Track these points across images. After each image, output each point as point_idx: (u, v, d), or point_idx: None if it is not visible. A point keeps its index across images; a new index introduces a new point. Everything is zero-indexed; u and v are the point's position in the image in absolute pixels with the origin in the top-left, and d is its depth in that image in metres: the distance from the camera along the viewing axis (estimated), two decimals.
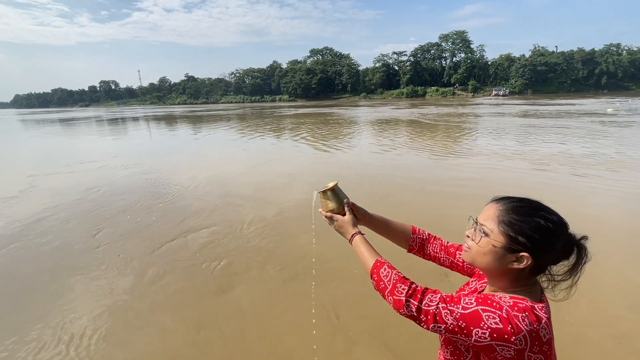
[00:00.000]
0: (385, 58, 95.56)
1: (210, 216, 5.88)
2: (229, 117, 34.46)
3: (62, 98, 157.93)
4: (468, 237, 0.98)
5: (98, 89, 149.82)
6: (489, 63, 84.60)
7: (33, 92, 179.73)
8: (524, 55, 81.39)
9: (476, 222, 0.95)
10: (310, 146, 13.40)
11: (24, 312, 3.40)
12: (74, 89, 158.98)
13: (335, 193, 1.29)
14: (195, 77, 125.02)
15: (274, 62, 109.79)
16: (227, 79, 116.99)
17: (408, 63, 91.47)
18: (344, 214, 1.27)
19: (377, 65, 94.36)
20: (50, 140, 19.89)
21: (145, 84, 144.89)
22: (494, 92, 73.82)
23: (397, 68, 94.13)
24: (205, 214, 6.00)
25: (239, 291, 3.62)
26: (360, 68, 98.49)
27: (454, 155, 10.44)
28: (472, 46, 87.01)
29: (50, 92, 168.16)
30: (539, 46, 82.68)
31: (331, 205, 1.28)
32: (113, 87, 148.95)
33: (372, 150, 11.91)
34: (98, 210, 6.42)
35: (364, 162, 10.16)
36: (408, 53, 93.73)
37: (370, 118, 26.41)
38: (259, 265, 4.14)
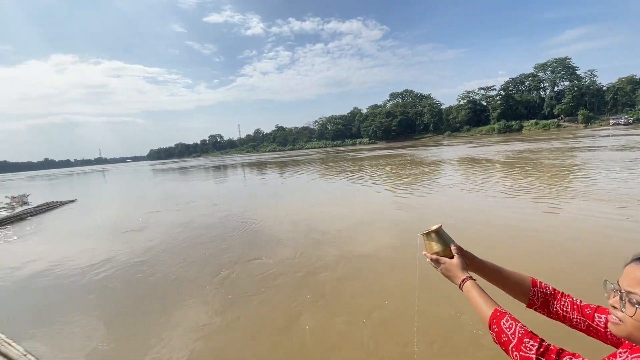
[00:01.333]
0: (470, 94, 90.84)
1: (299, 255, 5.81)
2: (312, 160, 36.40)
3: (182, 151, 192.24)
4: (614, 307, 0.81)
5: (207, 142, 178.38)
6: (604, 89, 72.37)
7: (162, 147, 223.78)
8: None
9: (620, 290, 0.78)
10: (390, 187, 12.86)
11: (133, 328, 3.65)
12: (190, 143, 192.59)
13: (440, 235, 1.24)
14: (284, 126, 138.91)
15: (355, 108, 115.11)
16: (312, 126, 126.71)
17: (498, 97, 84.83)
18: (451, 258, 1.20)
19: (461, 102, 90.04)
20: (168, 184, 23.78)
21: (243, 135, 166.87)
22: (612, 122, 61.43)
23: (484, 104, 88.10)
24: (291, 252, 5.97)
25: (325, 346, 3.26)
26: (443, 107, 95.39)
27: (563, 198, 8.60)
28: (578, 72, 76.48)
29: (173, 146, 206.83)
30: None
31: (436, 247, 1.24)
32: (218, 140, 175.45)
33: (461, 192, 10.72)
34: (197, 245, 7.02)
35: (452, 205, 9.12)
36: (497, 87, 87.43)
37: (457, 156, 24.53)
38: (348, 310, 3.74)
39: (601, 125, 63.87)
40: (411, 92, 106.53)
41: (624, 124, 58.64)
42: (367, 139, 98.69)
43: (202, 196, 15.05)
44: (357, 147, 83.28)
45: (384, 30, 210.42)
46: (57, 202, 16.56)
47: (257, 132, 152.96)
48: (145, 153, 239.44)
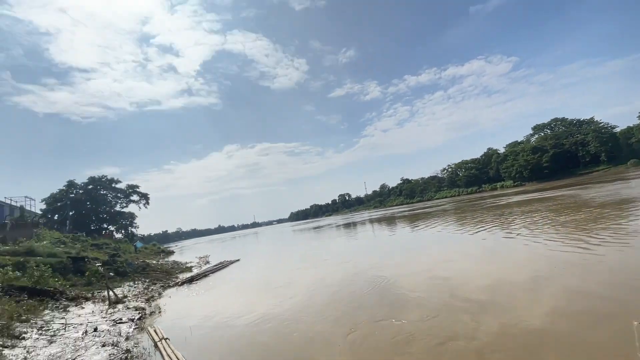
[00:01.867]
0: None
1: (432, 318, 5.42)
2: (443, 211, 33.74)
3: (316, 211, 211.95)
4: None
5: (337, 201, 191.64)
6: None
7: (300, 209, 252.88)
8: None
9: None
10: (555, 240, 10.54)
11: None
12: (322, 204, 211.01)
13: None
14: (409, 178, 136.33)
15: (489, 149, 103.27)
16: (440, 175, 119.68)
17: None
18: None
19: None
20: (305, 243, 26.30)
21: (369, 191, 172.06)
22: None
23: None
24: (424, 314, 5.61)
25: None
26: (617, 129, 74.35)
27: None
28: None
29: (309, 207, 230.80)
30: None
31: None
32: (347, 198, 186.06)
33: None
34: (331, 302, 7.44)
35: None
36: None
37: None
38: None
39: None
40: (562, 119, 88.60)
41: None
42: (511, 182, 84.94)
43: (333, 253, 15.99)
44: (499, 192, 72.53)
45: (513, 62, 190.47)
46: (227, 261, 20.67)
47: (383, 187, 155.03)
48: (286, 215, 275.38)
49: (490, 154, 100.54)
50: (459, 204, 46.01)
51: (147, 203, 56.45)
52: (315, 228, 51.75)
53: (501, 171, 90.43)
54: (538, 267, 7.35)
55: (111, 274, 14.05)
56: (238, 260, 20.88)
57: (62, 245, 22.93)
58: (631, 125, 72.56)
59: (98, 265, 14.10)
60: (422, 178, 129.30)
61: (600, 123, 79.34)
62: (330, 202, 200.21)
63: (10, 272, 9.17)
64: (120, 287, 12.85)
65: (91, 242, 31.69)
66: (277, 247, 29.49)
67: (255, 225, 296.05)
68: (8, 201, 37.61)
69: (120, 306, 9.93)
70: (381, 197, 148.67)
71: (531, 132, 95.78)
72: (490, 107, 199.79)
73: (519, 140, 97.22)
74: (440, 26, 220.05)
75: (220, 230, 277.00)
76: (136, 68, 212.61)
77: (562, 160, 77.49)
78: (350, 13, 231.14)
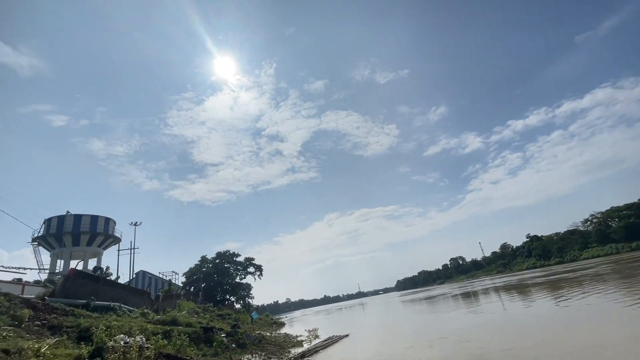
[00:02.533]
0: None
1: None
2: (597, 275, 26.04)
3: (425, 278, 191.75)
4: None
5: (449, 266, 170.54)
6: None
7: (406, 277, 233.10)
8: None
9: None
10: None
11: None
12: (431, 270, 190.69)
13: None
14: (539, 235, 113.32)
15: None
16: (581, 228, 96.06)
17: None
18: None
19: None
20: (416, 316, 23.47)
21: (487, 253, 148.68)
22: None
23: None
24: None
25: None
26: None
27: None
28: None
29: (416, 274, 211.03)
30: None
31: None
32: (460, 262, 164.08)
33: None
34: None
35: None
36: None
37: None
38: None
39: None
40: None
41: None
42: None
43: (452, 330, 13.64)
44: None
45: None
46: (336, 336, 19.84)
47: (505, 247, 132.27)
48: (393, 284, 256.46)
49: None
50: (620, 265, 35.02)
51: (261, 274, 61.27)
52: (426, 299, 46.19)
53: None
54: None
55: (233, 345, 15.03)
56: (347, 335, 19.80)
57: (196, 315, 26.16)
58: None
59: (223, 336, 15.34)
60: (557, 233, 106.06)
61: None
62: (440, 268, 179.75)
63: (160, 340, 10.76)
64: (240, 359, 13.49)
65: (217, 313, 35.29)
66: (387, 320, 27.07)
67: (360, 295, 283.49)
68: (161, 275, 46.24)
69: None
70: (504, 260, 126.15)
71: None
72: (636, 139, 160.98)
73: None
74: (541, 63, 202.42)
75: (326, 300, 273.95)
76: (251, 157, 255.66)
77: None
78: (434, 74, 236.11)
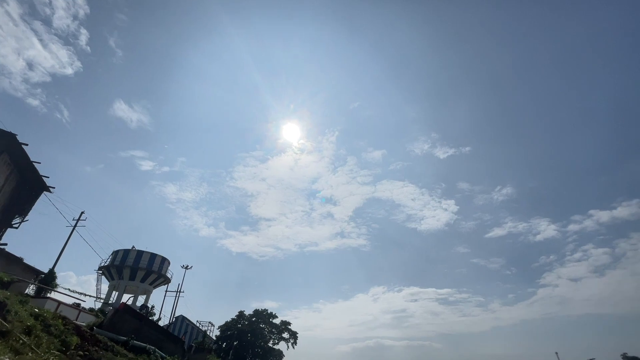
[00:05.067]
0: None
1: None
2: None
3: None
4: None
5: None
6: None
7: None
8: None
9: None
10: None
11: None
12: None
13: None
14: (638, 357, 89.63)
15: None
16: None
17: None
18: None
19: None
20: None
21: None
22: None
23: None
24: None
25: None
26: None
27: None
28: None
29: None
30: None
31: None
32: None
33: None
34: None
35: None
36: None
37: None
38: None
39: None
40: None
41: None
42: None
43: None
44: None
45: None
46: None
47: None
48: None
49: None
50: None
51: (295, 343, 57.15)
52: None
53: None
54: None
55: None
56: None
57: None
58: None
59: None
60: None
61: None
62: None
63: None
64: None
65: None
66: None
67: None
68: (198, 324, 45.94)
69: None
70: None
71: None
72: None
73: None
74: (627, 149, 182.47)
75: None
76: (303, 216, 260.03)
77: None
78: (499, 154, 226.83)
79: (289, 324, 58.59)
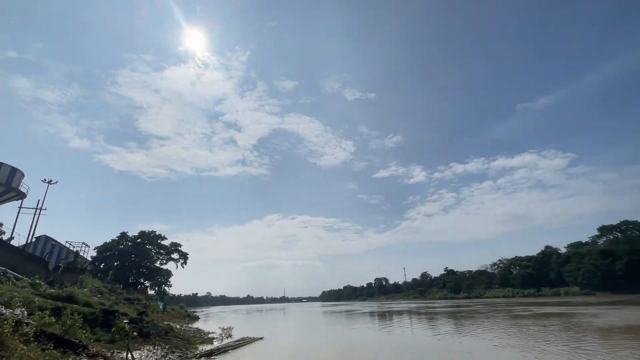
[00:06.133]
0: None
1: None
2: (495, 312, 29.33)
3: (349, 293, 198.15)
4: None
5: (373, 285, 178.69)
6: None
7: (332, 289, 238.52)
8: None
9: None
10: None
11: None
12: (357, 286, 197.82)
13: None
14: (455, 270, 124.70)
15: (547, 247, 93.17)
16: (490, 270, 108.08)
17: None
18: None
19: None
20: (336, 331, 23.99)
21: (409, 279, 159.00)
22: None
23: None
24: None
25: None
26: None
27: None
28: None
29: (342, 288, 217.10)
30: None
31: None
32: (384, 284, 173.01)
33: None
34: None
35: None
36: None
37: None
38: None
39: None
40: (635, 223, 79.05)
41: None
42: (578, 288, 73.47)
43: (365, 346, 14.16)
44: (564, 298, 62.62)
45: (569, 158, 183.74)
46: (250, 338, 19.30)
47: (424, 276, 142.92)
48: (318, 294, 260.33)
49: (549, 253, 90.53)
50: (501, 307, 39.92)
51: (185, 263, 57.65)
52: (347, 312, 47.60)
53: (564, 274, 79.72)
54: None
55: (135, 333, 13.72)
56: (261, 338, 19.39)
57: (99, 295, 23.54)
58: None
59: (125, 322, 13.94)
60: (470, 271, 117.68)
61: None
62: (365, 286, 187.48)
63: (47, 317, 9.33)
64: (139, 350, 12.33)
65: (125, 296, 32.21)
66: (305, 329, 27.15)
67: (284, 300, 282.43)
68: (68, 245, 40.92)
69: None
70: (422, 287, 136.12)
71: (597, 233, 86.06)
72: (547, 202, 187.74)
73: (583, 242, 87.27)
74: (488, 119, 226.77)
75: (249, 300, 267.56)
76: (202, 139, 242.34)
77: None
78: (398, 105, 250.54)
79: (180, 245, 58.01)
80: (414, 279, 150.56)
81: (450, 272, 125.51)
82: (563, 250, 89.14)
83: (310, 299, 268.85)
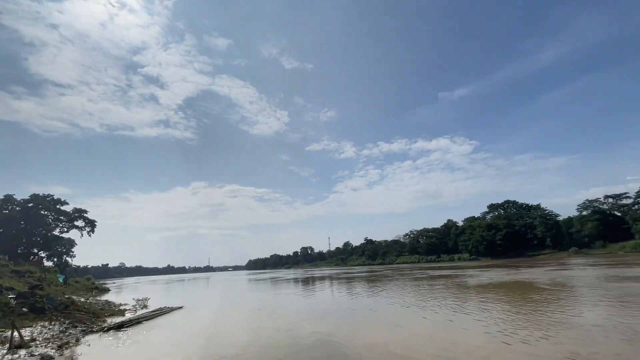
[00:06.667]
0: (595, 204, 77.46)
1: None
2: (401, 275, 33.61)
3: (275, 262, 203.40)
4: None
5: (299, 254, 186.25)
6: None
7: (259, 258, 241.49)
8: None
9: None
10: (509, 319, 10.69)
11: None
12: (283, 255, 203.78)
13: None
14: (373, 239, 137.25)
15: (449, 220, 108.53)
16: (402, 240, 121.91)
17: (637, 206, 69.88)
18: None
19: (585, 213, 76.59)
20: (261, 296, 24.62)
21: (332, 248, 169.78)
22: None
23: (619, 214, 72.92)
24: None
25: None
26: (559, 218, 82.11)
27: None
28: None
29: (268, 257, 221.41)
30: None
31: None
32: (309, 252, 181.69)
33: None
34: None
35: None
36: (632, 194, 72.92)
37: (611, 279, 19.46)
38: None
39: None
40: (514, 202, 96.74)
41: None
42: (467, 255, 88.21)
43: (288, 309, 14.95)
44: (456, 263, 74.56)
45: (474, 145, 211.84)
46: (167, 308, 18.61)
47: (346, 245, 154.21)
48: (244, 262, 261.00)
49: (450, 226, 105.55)
50: (404, 271, 46.24)
51: (92, 231, 51.43)
52: (272, 279, 49.05)
53: (459, 243, 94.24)
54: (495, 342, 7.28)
55: (24, 309, 12.04)
56: (181, 307, 18.87)
57: None
58: (571, 215, 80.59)
59: (11, 297, 12.08)
60: (386, 241, 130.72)
61: (546, 210, 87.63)
62: (291, 254, 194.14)
63: None
64: (31, 326, 10.91)
65: (12, 268, 27.71)
66: (228, 296, 27.23)
67: (208, 269, 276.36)
68: None
69: (23, 352, 8.33)
70: (343, 255, 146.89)
71: (486, 210, 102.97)
72: (453, 183, 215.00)
73: (475, 216, 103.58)
74: (413, 104, 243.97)
75: (170, 270, 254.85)
76: (116, 92, 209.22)
77: (513, 239, 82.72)
78: (334, 79, 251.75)
79: (85, 211, 51.21)
80: (337, 248, 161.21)
81: (369, 242, 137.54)
82: (461, 223, 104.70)
83: (237, 268, 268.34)
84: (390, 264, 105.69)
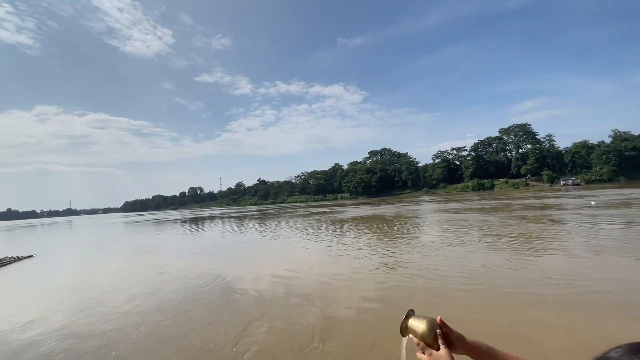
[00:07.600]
0: (444, 154, 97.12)
1: (274, 322, 5.48)
2: (290, 217, 36.10)
3: (159, 203, 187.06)
4: None
5: (187, 194, 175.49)
6: (563, 152, 79.34)
7: (138, 199, 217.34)
8: (603, 141, 74.90)
9: None
10: (374, 246, 12.81)
11: None
12: (168, 195, 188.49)
13: (416, 325, 1.06)
14: (266, 180, 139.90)
15: (336, 164, 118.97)
16: (294, 181, 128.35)
17: (469, 157, 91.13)
18: (437, 348, 1.01)
19: (436, 161, 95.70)
20: (138, 240, 22.63)
21: (224, 188, 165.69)
22: (562, 183, 68.14)
23: (458, 163, 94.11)
24: (267, 319, 5.63)
25: None
26: (420, 165, 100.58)
27: (542, 253, 8.84)
28: (538, 137, 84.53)
29: (150, 198, 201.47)
30: (619, 131, 75.87)
31: (417, 338, 1.05)
32: (198, 193, 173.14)
33: (438, 249, 10.81)
34: (166, 328, 6.52)
35: (427, 265, 9.12)
36: (468, 148, 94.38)
37: (434, 211, 25.18)
38: None
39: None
40: (389, 150, 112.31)
41: (573, 185, 65.43)
42: (348, 194, 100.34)
43: (168, 250, 14.35)
44: (339, 202, 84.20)
45: (364, 95, 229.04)
46: (11, 257, 15.28)
47: (239, 185, 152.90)
48: (119, 205, 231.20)
49: (337, 169, 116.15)
50: (289, 210, 50.35)
51: None
52: (154, 221, 45.41)
53: (343, 184, 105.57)
54: (363, 263, 8.81)
55: None
56: (31, 256, 15.79)
57: None
58: (427, 163, 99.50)
59: None
60: (278, 181, 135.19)
61: (411, 158, 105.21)
62: (178, 195, 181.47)
63: None
64: None
65: None
66: (95, 241, 23.99)
67: (71, 212, 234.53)
68: None
69: None
70: (235, 195, 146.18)
71: (367, 155, 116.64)
72: (343, 129, 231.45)
73: (358, 161, 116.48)
74: (313, 46, 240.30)
75: (12, 216, 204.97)
76: None
77: (385, 181, 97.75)
78: (232, 2, 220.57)
79: None
80: (229, 188, 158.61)
81: (262, 182, 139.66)
82: (346, 167, 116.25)
83: (109, 211, 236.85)
84: (281, 203, 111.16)
